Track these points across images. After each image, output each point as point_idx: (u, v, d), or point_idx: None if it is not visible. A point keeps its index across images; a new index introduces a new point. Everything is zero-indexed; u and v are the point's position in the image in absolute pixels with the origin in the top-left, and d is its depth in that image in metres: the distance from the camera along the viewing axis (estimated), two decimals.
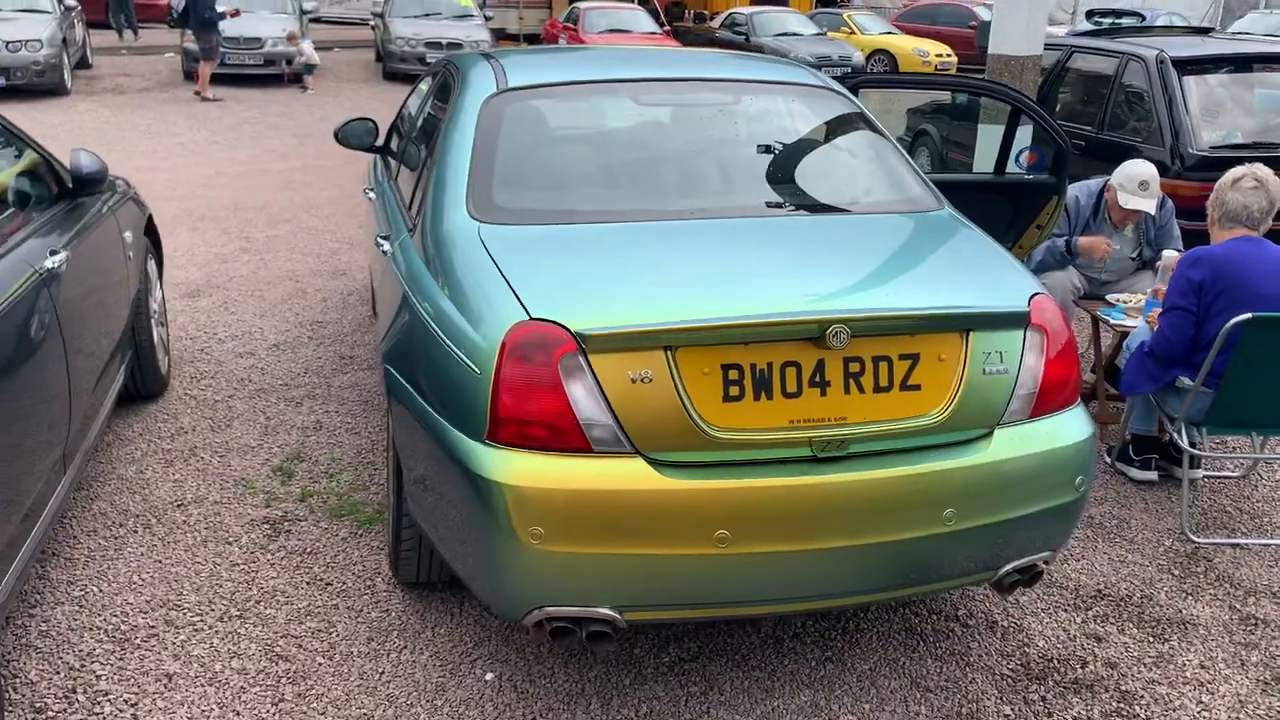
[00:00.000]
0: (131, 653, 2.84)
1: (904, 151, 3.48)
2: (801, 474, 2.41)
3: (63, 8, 14.32)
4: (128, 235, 4.12)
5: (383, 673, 2.81)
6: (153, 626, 2.96)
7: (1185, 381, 3.64)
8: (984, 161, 6.31)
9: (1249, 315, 3.36)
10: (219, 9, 13.99)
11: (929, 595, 3.24)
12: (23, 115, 3.31)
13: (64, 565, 3.23)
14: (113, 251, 3.89)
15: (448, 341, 2.53)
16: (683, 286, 2.56)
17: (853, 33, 21.08)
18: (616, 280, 2.59)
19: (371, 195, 4.46)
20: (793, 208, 3.17)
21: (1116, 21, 8.69)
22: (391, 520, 3.10)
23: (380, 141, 4.68)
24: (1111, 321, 4.30)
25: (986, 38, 6.57)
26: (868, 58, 19.76)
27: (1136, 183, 4.53)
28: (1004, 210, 4.51)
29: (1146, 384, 3.75)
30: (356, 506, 3.64)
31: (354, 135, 4.61)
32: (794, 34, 19.41)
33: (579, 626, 2.43)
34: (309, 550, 3.37)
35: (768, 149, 3.34)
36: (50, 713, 2.60)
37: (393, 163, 4.31)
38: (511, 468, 2.32)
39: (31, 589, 3.09)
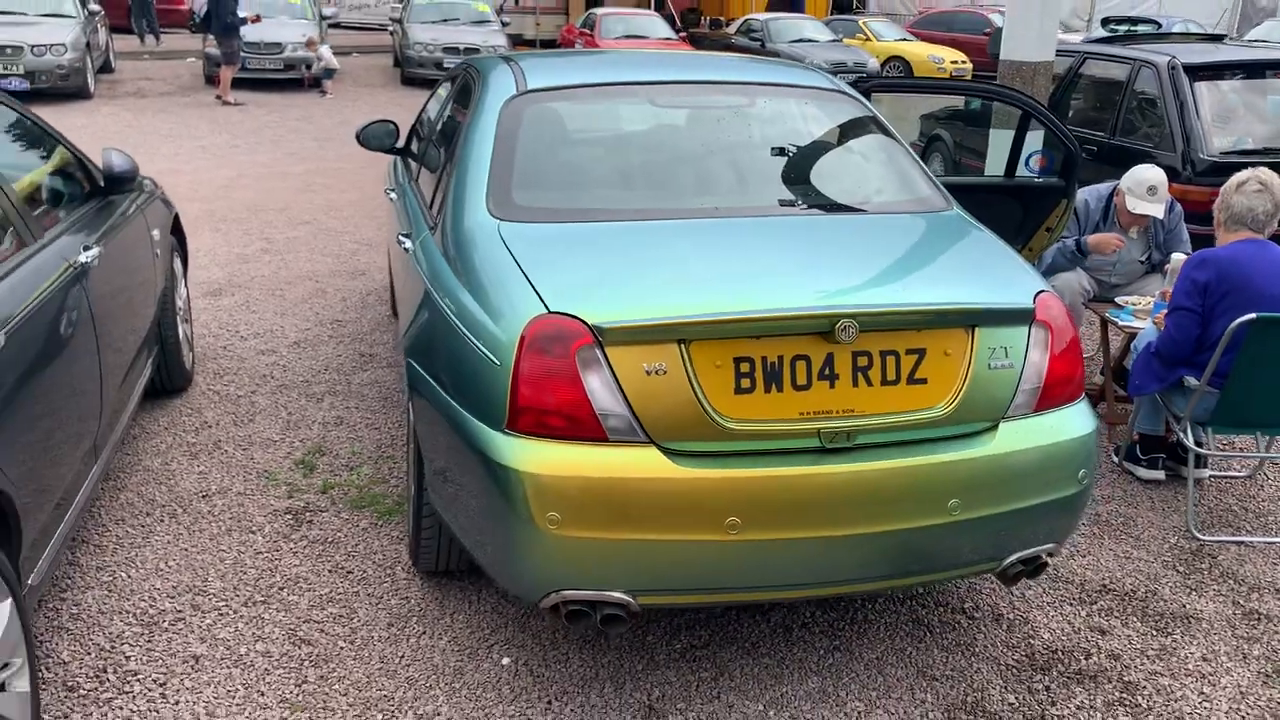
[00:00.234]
0: (159, 635, 2.93)
1: (914, 154, 3.55)
2: (810, 464, 2.48)
3: (87, 13, 14.51)
4: (155, 233, 4.23)
5: (402, 657, 2.90)
6: (179, 611, 3.05)
7: (1191, 381, 3.70)
8: (995, 165, 6.37)
9: (1253, 315, 3.42)
10: (240, 14, 14.15)
11: (935, 586, 3.31)
12: (47, 118, 3.41)
13: (94, 552, 3.33)
14: (141, 249, 3.99)
15: (468, 335, 2.62)
16: (696, 282, 2.64)
17: (868, 39, 21.13)
18: (632, 276, 2.67)
19: (392, 195, 4.55)
20: (804, 207, 3.25)
21: (1132, 29, 8.71)
22: (412, 510, 3.18)
23: (401, 143, 4.77)
24: (1120, 323, 4.35)
25: (999, 45, 6.63)
26: (883, 64, 19.81)
27: (1145, 188, 4.58)
28: (1014, 213, 4.57)
29: (1153, 384, 3.81)
30: (376, 498, 3.73)
31: (375, 137, 4.71)
32: (809, 40, 19.48)
33: (594, 610, 2.51)
34: (330, 540, 3.46)
35: (780, 150, 3.42)
36: (82, 691, 2.69)
37: (413, 164, 4.41)
38: (530, 456, 2.40)
39: (63, 574, 3.19)
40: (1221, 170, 5.41)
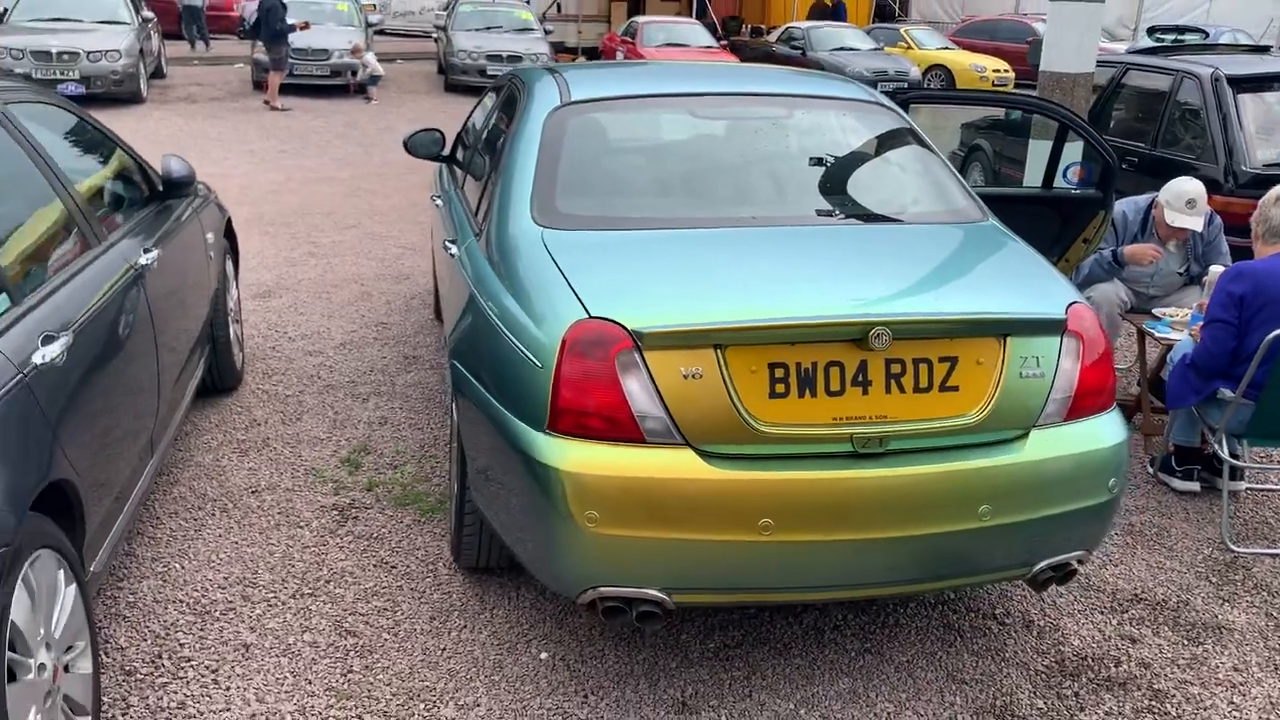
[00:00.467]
0: (211, 624, 3.05)
1: (950, 165, 3.60)
2: (842, 468, 2.54)
3: (140, 20, 14.85)
4: (209, 236, 4.37)
5: (444, 649, 2.99)
6: (230, 601, 3.16)
7: (1226, 393, 3.71)
8: (1035, 176, 6.37)
9: None
10: (289, 21, 14.41)
11: (966, 591, 3.36)
12: (101, 121, 3.55)
13: (148, 543, 3.46)
14: (196, 252, 4.13)
15: (512, 338, 2.71)
16: (733, 289, 2.71)
17: (910, 48, 21.08)
18: (671, 282, 2.75)
19: (438, 202, 4.66)
20: (841, 216, 3.31)
21: (1179, 38, 8.65)
22: (454, 508, 3.28)
23: (446, 151, 4.89)
24: (1156, 335, 4.36)
25: (1038, 55, 6.64)
26: (924, 73, 19.77)
27: (1184, 201, 4.59)
28: (1051, 224, 4.60)
29: (1189, 396, 3.83)
30: (420, 496, 3.83)
31: (422, 145, 4.83)
32: (851, 49, 19.46)
33: (630, 606, 2.58)
34: (375, 535, 3.57)
35: (818, 160, 3.48)
36: (139, 675, 2.81)
37: (459, 171, 4.51)
38: (570, 455, 2.48)
39: (120, 564, 3.32)
40: (1264, 183, 5.38)
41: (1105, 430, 2.75)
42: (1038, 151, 6.40)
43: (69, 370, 2.54)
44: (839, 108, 3.70)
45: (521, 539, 2.74)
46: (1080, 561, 2.81)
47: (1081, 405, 2.74)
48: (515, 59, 16.57)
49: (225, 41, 20.70)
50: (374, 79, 15.96)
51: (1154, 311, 4.61)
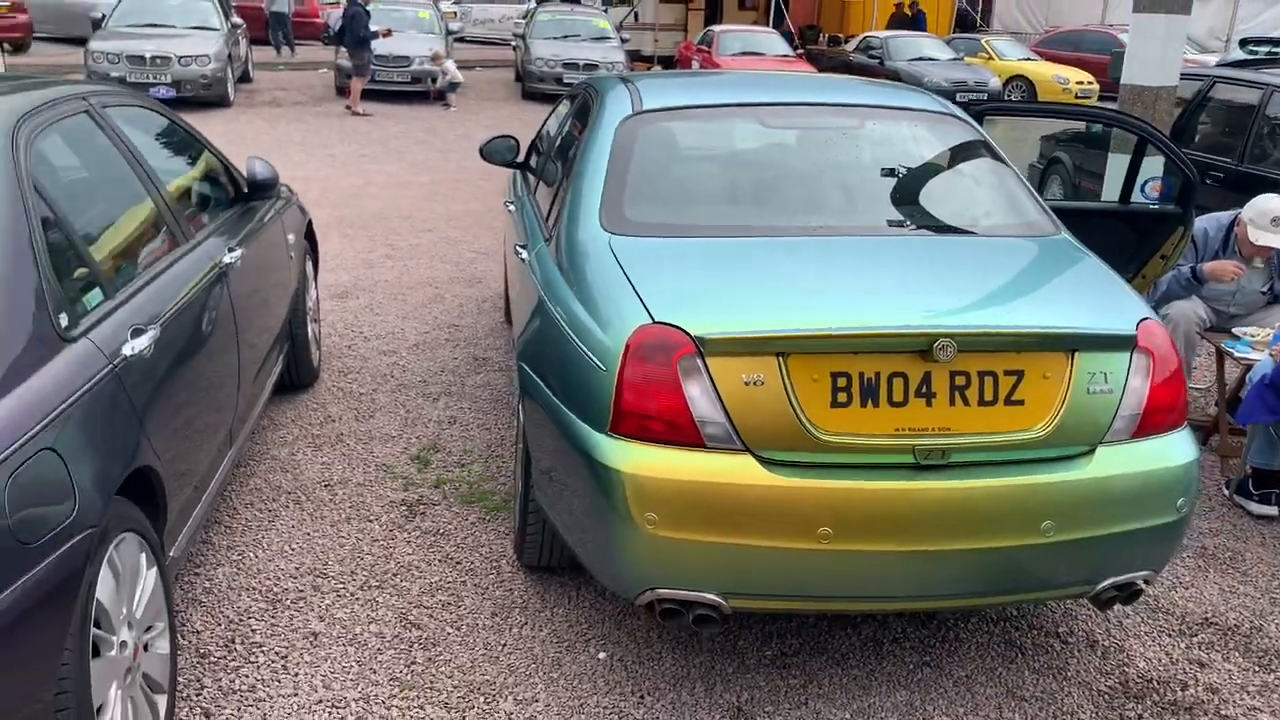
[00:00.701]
0: (282, 612, 3.15)
1: (1022, 177, 3.57)
2: (904, 479, 2.55)
3: (229, 26, 15.31)
4: (291, 237, 4.50)
5: (505, 645, 3.05)
6: (301, 590, 3.26)
7: None
8: (1113, 190, 6.26)
9: None
10: (372, 28, 14.74)
11: (1029, 608, 3.32)
12: (190, 123, 3.71)
13: (225, 532, 3.58)
14: (278, 251, 4.26)
15: (577, 341, 2.76)
16: (797, 297, 2.73)
17: (990, 58, 20.78)
18: (735, 289, 2.78)
19: (511, 208, 4.75)
20: (909, 227, 3.31)
21: (1274, 50, 8.40)
22: (518, 507, 3.34)
23: (520, 158, 4.97)
24: (1236, 354, 4.26)
25: (1119, 68, 6.53)
26: (1005, 84, 19.46)
27: (1269, 218, 4.48)
28: (1128, 239, 4.52)
29: (1263, 414, 3.73)
30: (486, 495, 3.91)
31: (497, 152, 4.92)
32: (929, 59, 19.26)
33: (687, 609, 2.61)
34: (441, 531, 3.65)
35: (887, 171, 3.48)
36: (213, 658, 2.92)
37: (531, 178, 4.59)
38: (630, 457, 2.52)
39: (197, 551, 3.44)
40: None
41: (1174, 449, 2.71)
42: (1116, 166, 6.29)
43: (155, 362, 2.65)
44: (910, 118, 3.69)
45: (582, 539, 2.78)
46: (1146, 582, 2.77)
47: (1150, 423, 2.70)
48: (591, 67, 16.71)
49: (310, 47, 21.22)
50: (453, 86, 16.22)
51: (1234, 331, 4.51)
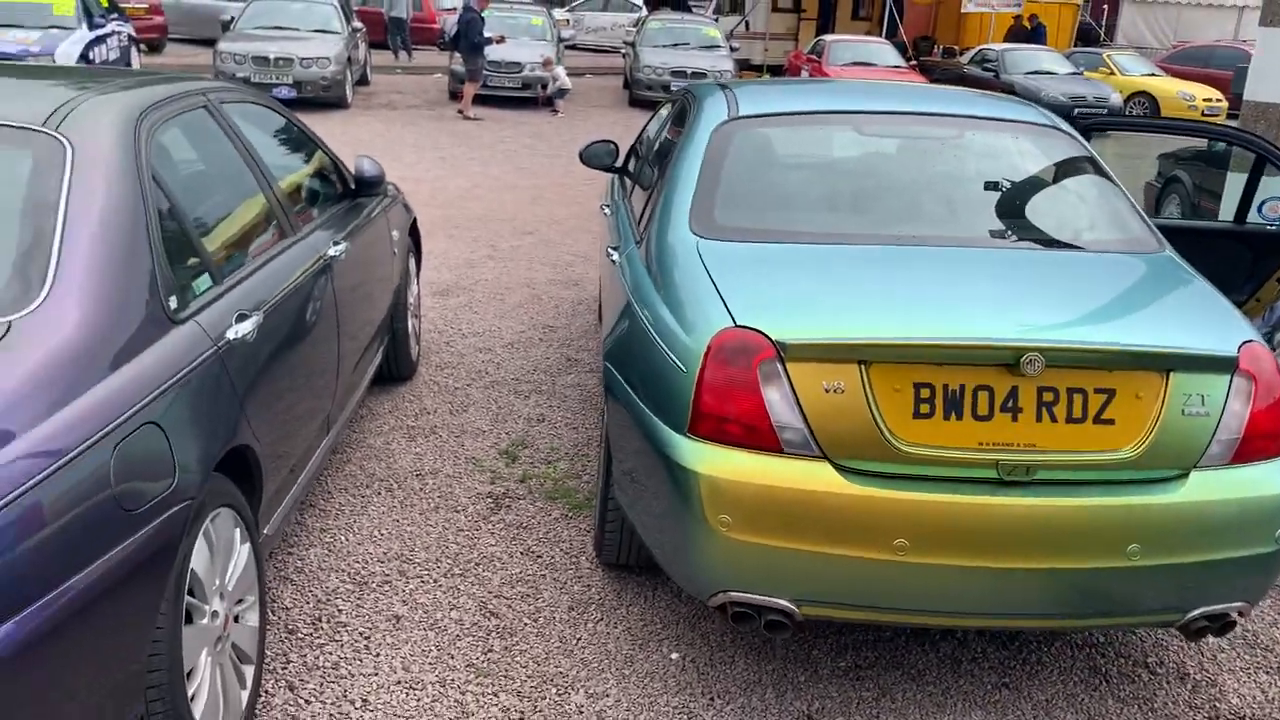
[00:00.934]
0: (368, 594, 3.25)
1: (1127, 193, 3.47)
2: (985, 494, 2.51)
3: (350, 29, 15.82)
4: (395, 234, 4.64)
5: (579, 639, 3.09)
6: (387, 574, 3.37)
7: None
8: (1230, 210, 6.03)
9: None
10: (486, 35, 15.06)
11: (1117, 636, 3.22)
12: (308, 123, 3.84)
13: (319, 515, 3.72)
14: (382, 247, 4.40)
15: (660, 342, 2.79)
16: (882, 305, 2.71)
17: (1112, 73, 20.16)
18: (820, 296, 2.78)
19: (606, 211, 4.81)
20: (1003, 240, 3.25)
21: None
22: (599, 505, 3.39)
23: (619, 163, 5.04)
24: None
25: (1243, 84, 6.28)
26: (1127, 100, 18.87)
27: None
28: (1243, 261, 4.36)
29: None
30: (569, 492, 3.97)
31: (596, 156, 5.00)
32: (1047, 72, 18.78)
33: (758, 614, 2.62)
34: (524, 525, 3.72)
35: (984, 182, 3.43)
36: (300, 635, 3.03)
37: (628, 182, 4.65)
38: (706, 459, 2.54)
39: (292, 531, 3.58)
40: None
41: (1275, 477, 2.61)
42: (1235, 185, 6.05)
43: (258, 347, 2.78)
44: (1010, 130, 3.63)
45: (658, 539, 2.81)
46: (1240, 614, 2.66)
47: (1251, 449, 2.60)
48: (699, 75, 16.75)
49: (426, 52, 21.75)
50: (561, 92, 16.46)
51: None
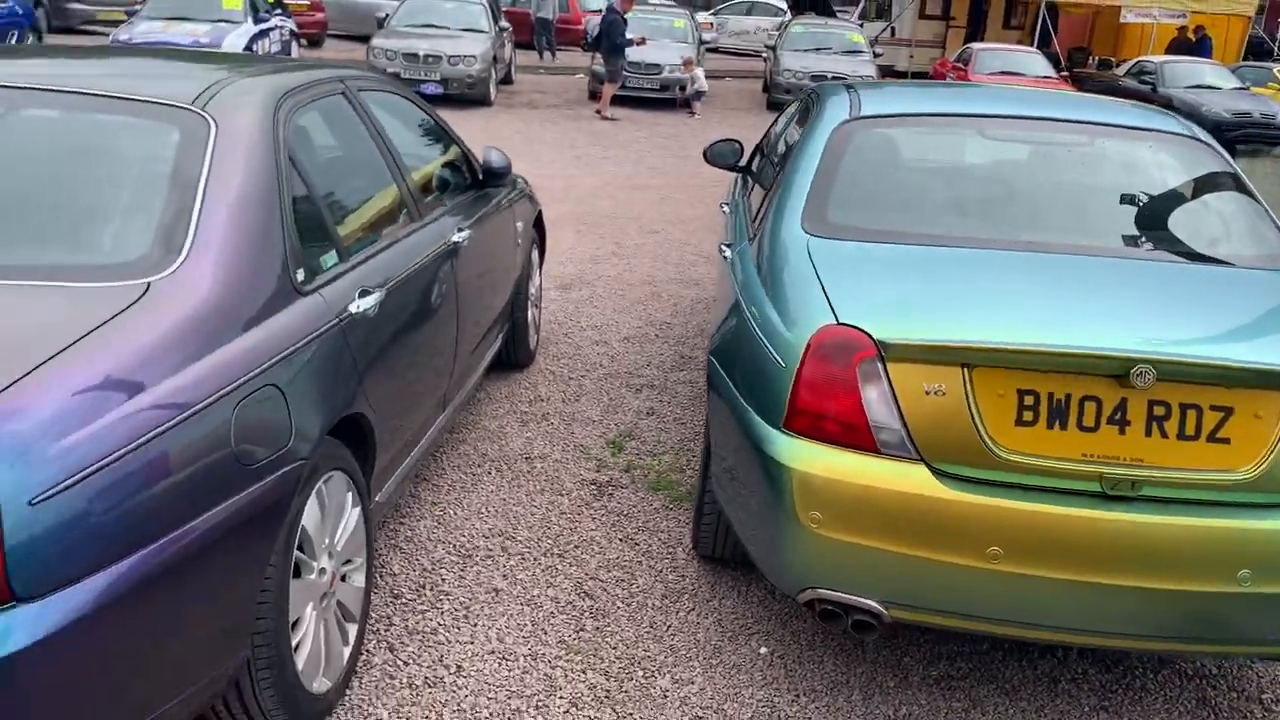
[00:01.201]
0: (471, 567, 3.37)
1: (1268, 209, 3.32)
2: (1087, 507, 2.45)
3: (497, 29, 16.24)
4: (519, 225, 4.78)
5: (670, 626, 3.14)
6: (490, 550, 3.48)
7: None
8: None
9: None
10: (628, 36, 15.25)
11: (1231, 668, 3.09)
12: (450, 119, 3.99)
13: (431, 489, 3.86)
14: (506, 237, 4.54)
15: (763, 338, 2.81)
16: (990, 309, 2.67)
17: None
18: (926, 297, 2.75)
19: (725, 209, 4.84)
20: (1127, 249, 3.15)
21: None
22: (697, 497, 3.42)
23: (743, 162, 5.06)
24: None
25: None
26: None
27: None
28: None
29: None
30: (672, 484, 4.02)
31: (720, 155, 5.03)
32: (1209, 87, 17.89)
33: (846, 613, 2.61)
34: (625, 513, 3.79)
35: (1111, 190, 3.33)
36: (404, 599, 3.17)
37: (749, 180, 4.67)
38: (800, 454, 2.55)
39: (404, 502, 3.73)
40: None
41: None
42: None
43: (378, 322, 2.91)
44: (1145, 139, 3.50)
45: (752, 533, 2.83)
46: None
47: None
48: (839, 80, 16.58)
49: (570, 53, 22.15)
50: (699, 94, 16.53)
51: None
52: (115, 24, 15.85)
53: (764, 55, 21.42)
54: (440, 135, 4.19)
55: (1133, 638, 2.55)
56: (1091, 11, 25.54)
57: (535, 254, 5.26)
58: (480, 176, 4.35)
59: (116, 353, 1.97)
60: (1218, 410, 2.44)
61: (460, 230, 3.78)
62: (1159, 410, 2.45)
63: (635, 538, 3.63)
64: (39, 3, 16.90)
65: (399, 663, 2.89)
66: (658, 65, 16.54)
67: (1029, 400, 2.47)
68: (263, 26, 14.29)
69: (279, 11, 15.62)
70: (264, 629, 2.27)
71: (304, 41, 17.63)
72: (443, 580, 3.29)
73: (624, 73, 15.63)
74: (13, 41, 14.56)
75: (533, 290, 5.17)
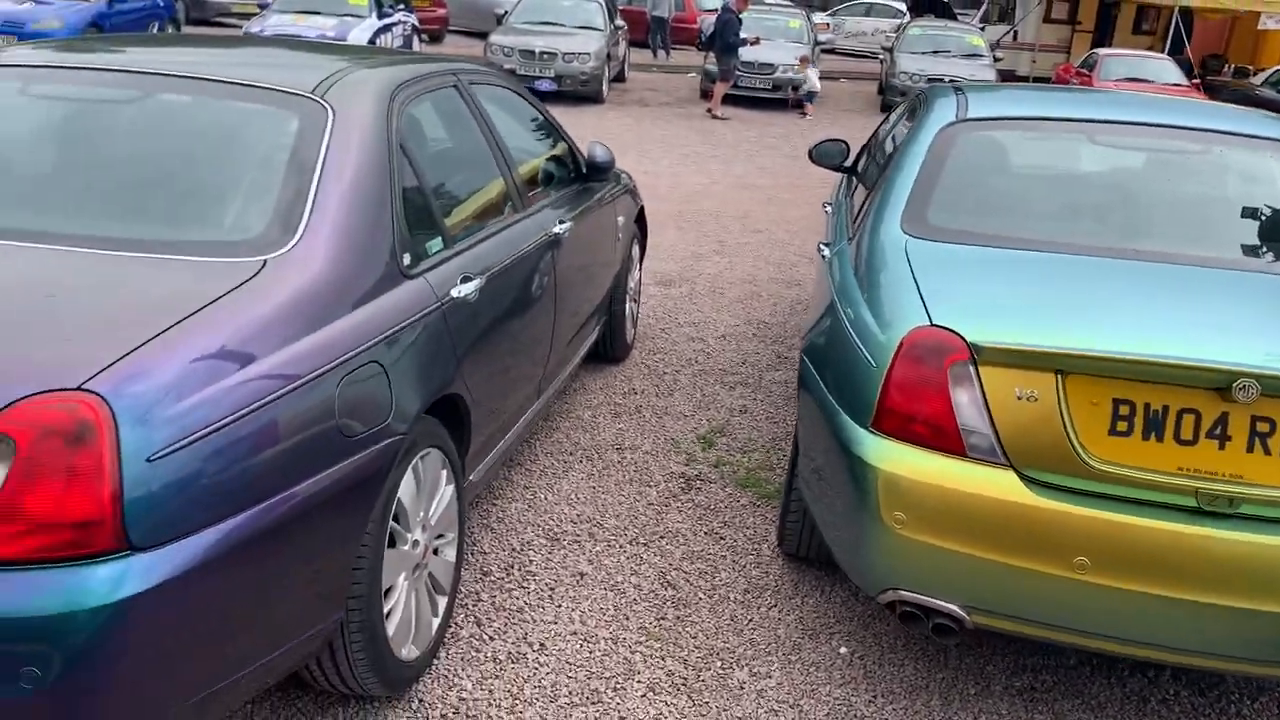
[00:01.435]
0: (558, 550, 3.45)
1: None
2: (1180, 522, 2.39)
3: (612, 27, 16.40)
4: (620, 220, 4.85)
5: (750, 620, 3.17)
6: (577, 535, 3.56)
7: None
8: None
9: None
10: (742, 36, 15.23)
11: None
12: (562, 115, 4.10)
13: (524, 473, 3.96)
14: (607, 231, 4.61)
15: (855, 337, 2.81)
16: (1088, 316, 2.62)
17: None
18: (1023, 301, 2.71)
19: (828, 209, 4.83)
20: (1239, 261, 3.05)
21: None
22: (783, 495, 3.44)
23: (849, 162, 5.03)
24: None
25: None
26: None
27: None
28: None
29: None
30: (760, 482, 4.04)
31: (826, 155, 5.01)
32: None
33: (927, 615, 2.60)
34: (712, 507, 3.82)
35: (1225, 200, 3.23)
36: (492, 577, 3.27)
37: (853, 181, 4.65)
38: (886, 454, 2.55)
39: (497, 484, 3.84)
40: None
41: None
42: None
43: (478, 307, 3.01)
44: (1265, 148, 3.38)
45: (835, 532, 2.84)
46: None
47: None
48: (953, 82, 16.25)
49: (685, 51, 22.21)
50: (810, 95, 16.41)
51: None
52: (248, 17, 16.56)
53: (880, 57, 21.14)
54: (546, 129, 4.29)
55: (1225, 659, 2.48)
56: (1229, 17, 24.46)
57: (636, 249, 5.32)
58: (584, 171, 4.43)
59: (233, 324, 2.09)
60: None
61: (561, 223, 3.86)
62: (1262, 426, 2.38)
63: (720, 532, 3.66)
64: None
65: (485, 637, 2.98)
66: (771, 65, 16.47)
67: (1124, 410, 2.42)
68: (386, 21, 14.75)
69: (402, 7, 16.09)
70: (358, 593, 2.38)
71: (425, 37, 18.11)
72: (530, 561, 3.38)
73: (736, 72, 15.62)
74: (154, 31, 15.31)
75: (632, 285, 5.23)
